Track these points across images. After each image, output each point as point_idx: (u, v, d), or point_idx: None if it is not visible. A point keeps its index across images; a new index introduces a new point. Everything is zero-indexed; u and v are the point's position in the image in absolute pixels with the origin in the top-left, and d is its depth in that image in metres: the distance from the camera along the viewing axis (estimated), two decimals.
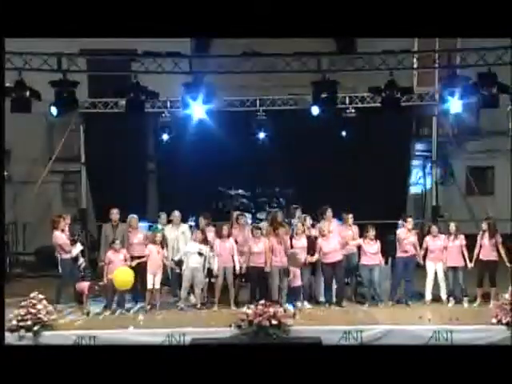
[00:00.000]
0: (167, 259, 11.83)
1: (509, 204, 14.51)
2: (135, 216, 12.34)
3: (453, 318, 10.63)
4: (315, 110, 12.39)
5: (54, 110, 12.01)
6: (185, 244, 12.00)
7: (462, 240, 11.67)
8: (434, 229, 12.00)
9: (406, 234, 11.83)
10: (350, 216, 12.19)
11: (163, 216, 12.67)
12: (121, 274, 11.32)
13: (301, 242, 11.77)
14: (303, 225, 12.00)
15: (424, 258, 11.86)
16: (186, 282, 11.63)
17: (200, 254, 11.57)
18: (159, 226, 12.58)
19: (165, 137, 15.16)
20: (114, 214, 12.22)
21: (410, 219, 11.98)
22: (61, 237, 11.79)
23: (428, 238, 11.95)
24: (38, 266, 15.77)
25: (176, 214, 12.42)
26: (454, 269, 11.63)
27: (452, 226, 11.76)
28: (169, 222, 12.56)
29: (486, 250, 11.55)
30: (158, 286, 11.66)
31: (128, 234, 12.07)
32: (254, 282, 11.70)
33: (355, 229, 12.23)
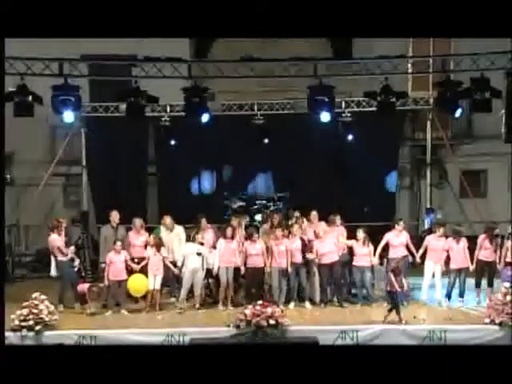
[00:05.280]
0: (166, 259, 11.96)
1: (501, 206, 14.69)
2: (140, 218, 12.55)
3: (447, 318, 10.84)
4: (325, 117, 12.41)
5: (69, 117, 12.18)
6: (179, 246, 12.19)
7: (465, 242, 11.84)
8: (441, 230, 12.07)
9: (396, 236, 12.02)
10: (338, 217, 12.36)
11: (166, 217, 12.87)
12: (135, 282, 11.61)
13: (296, 244, 11.99)
14: (301, 227, 12.22)
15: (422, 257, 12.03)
16: (186, 283, 11.79)
17: (198, 254, 11.75)
18: (162, 228, 12.80)
19: (165, 140, 15.34)
20: (114, 216, 12.44)
21: (401, 222, 12.22)
22: (58, 239, 11.98)
23: (430, 238, 12.09)
24: (40, 267, 15.92)
25: (167, 220, 12.53)
26: (459, 270, 11.76)
27: (461, 229, 12.02)
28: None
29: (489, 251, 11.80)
30: (158, 286, 11.81)
31: (131, 236, 12.29)
32: (252, 282, 11.91)
33: (343, 230, 12.38)
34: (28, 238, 16.81)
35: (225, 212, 14.15)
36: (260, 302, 10.54)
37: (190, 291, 11.90)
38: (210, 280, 12.14)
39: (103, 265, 12.13)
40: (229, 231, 12.00)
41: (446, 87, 11.54)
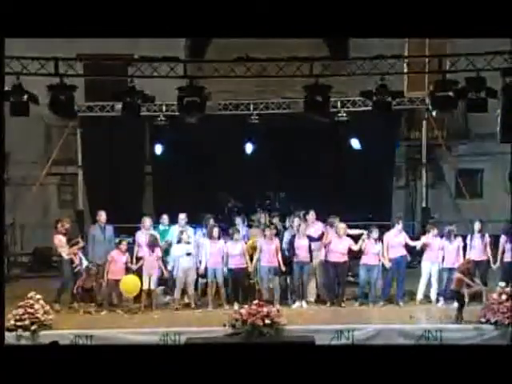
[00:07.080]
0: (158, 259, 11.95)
1: (496, 206, 14.75)
2: (149, 217, 12.66)
3: (443, 318, 10.88)
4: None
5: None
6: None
7: (459, 242, 11.91)
8: (435, 230, 12.18)
9: (395, 235, 12.06)
10: (337, 219, 12.35)
11: (165, 217, 12.89)
12: (127, 283, 11.63)
13: (303, 242, 11.97)
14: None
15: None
16: (179, 283, 11.83)
17: (188, 254, 11.78)
18: (161, 228, 12.79)
19: (161, 140, 15.33)
20: (102, 216, 12.53)
21: (400, 221, 12.28)
22: (61, 239, 12.06)
23: (427, 238, 12.16)
24: (36, 267, 15.94)
25: (181, 216, 12.52)
26: (450, 269, 11.77)
27: (453, 228, 12.04)
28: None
29: (478, 250, 11.86)
30: (153, 286, 11.82)
31: (138, 235, 12.31)
32: (235, 283, 11.92)
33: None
34: (24, 238, 16.80)
35: (222, 212, 14.13)
36: (256, 301, 10.58)
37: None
38: (200, 280, 12.15)
39: (90, 264, 12.11)
40: (215, 232, 11.97)
41: (442, 87, 11.54)
